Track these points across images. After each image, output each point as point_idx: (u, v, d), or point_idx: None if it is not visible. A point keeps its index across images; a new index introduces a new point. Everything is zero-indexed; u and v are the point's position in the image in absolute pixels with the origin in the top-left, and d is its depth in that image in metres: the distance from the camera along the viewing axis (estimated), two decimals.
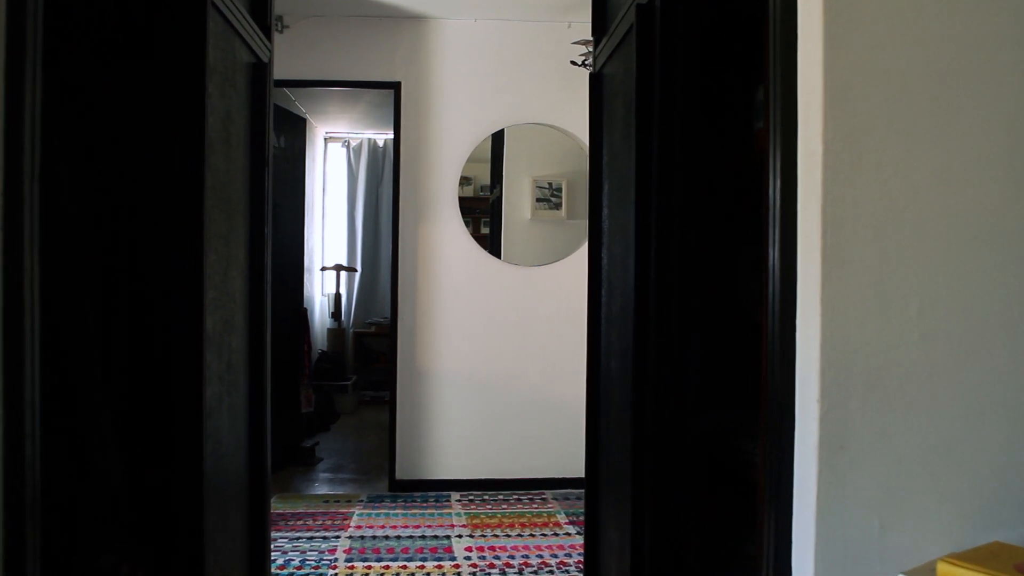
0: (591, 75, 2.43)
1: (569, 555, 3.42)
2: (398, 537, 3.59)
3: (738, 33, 1.91)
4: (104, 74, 1.76)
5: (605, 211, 2.29)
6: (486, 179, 5.00)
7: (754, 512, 1.93)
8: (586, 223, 4.70)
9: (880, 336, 1.03)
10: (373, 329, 6.98)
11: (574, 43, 4.16)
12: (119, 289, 1.81)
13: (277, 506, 4.01)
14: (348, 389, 6.49)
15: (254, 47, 2.17)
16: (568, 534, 3.69)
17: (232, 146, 1.95)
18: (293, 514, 3.91)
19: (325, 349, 6.63)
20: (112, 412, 1.77)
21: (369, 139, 7.14)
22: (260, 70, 2.20)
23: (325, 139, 7.03)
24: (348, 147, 7.14)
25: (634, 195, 1.81)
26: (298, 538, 3.56)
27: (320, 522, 3.79)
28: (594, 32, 2.45)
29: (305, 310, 5.40)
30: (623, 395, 2.03)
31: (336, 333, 6.74)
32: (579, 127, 4.44)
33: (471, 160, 4.48)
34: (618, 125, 2.14)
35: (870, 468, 1.03)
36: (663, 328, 1.74)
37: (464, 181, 4.51)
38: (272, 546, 3.45)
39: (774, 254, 1.10)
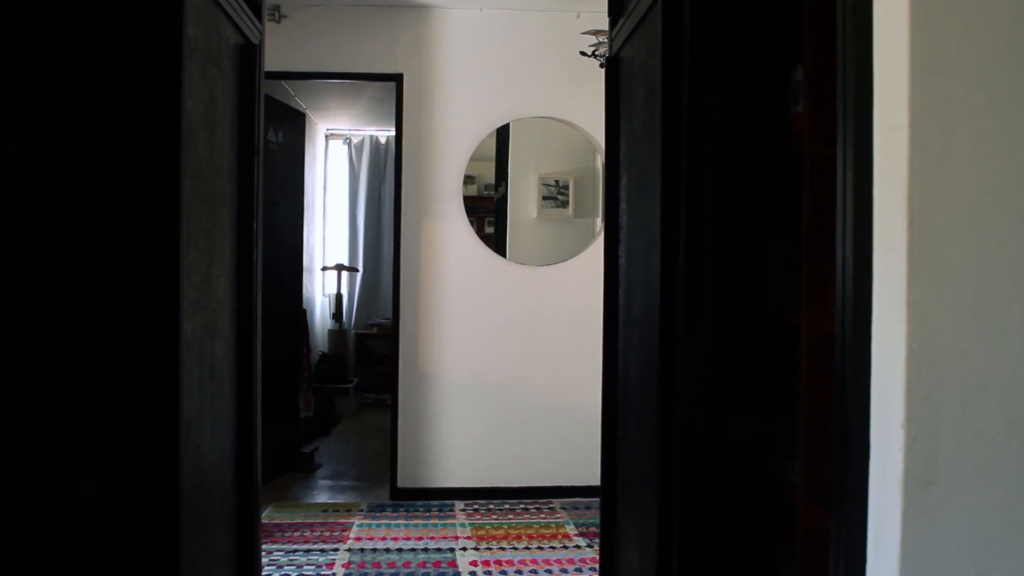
0: (607, 59, 2.26)
1: (580, 570, 3.24)
2: (399, 550, 3.42)
3: (772, 7, 1.73)
4: (74, 51, 1.59)
5: (623, 205, 2.11)
6: (490, 178, 4.83)
7: (790, 534, 1.75)
8: (594, 222, 4.58)
9: (978, 347, 0.85)
10: (375, 330, 6.81)
11: (584, 33, 3.99)
12: (93, 294, 1.64)
13: (274, 516, 3.85)
14: (349, 392, 6.33)
15: (243, 27, 2.00)
16: (578, 547, 3.52)
17: (216, 134, 1.78)
18: (290, 524, 3.74)
19: (326, 351, 6.46)
20: (83, 428, 1.60)
21: (371, 136, 6.97)
22: (249, 52, 2.03)
23: (326, 136, 6.86)
24: (350, 144, 6.97)
25: (660, 187, 1.64)
26: (295, 551, 3.39)
27: (318, 533, 3.62)
28: (610, 12, 2.28)
29: (304, 311, 5.23)
30: (645, 405, 1.85)
31: (337, 334, 6.58)
32: (588, 121, 4.27)
33: (475, 158, 4.31)
34: (638, 112, 1.96)
35: (965, 507, 0.86)
36: (692, 334, 1.56)
37: (468, 180, 4.34)
38: (267, 559, 3.29)
39: (844, 250, 0.92)
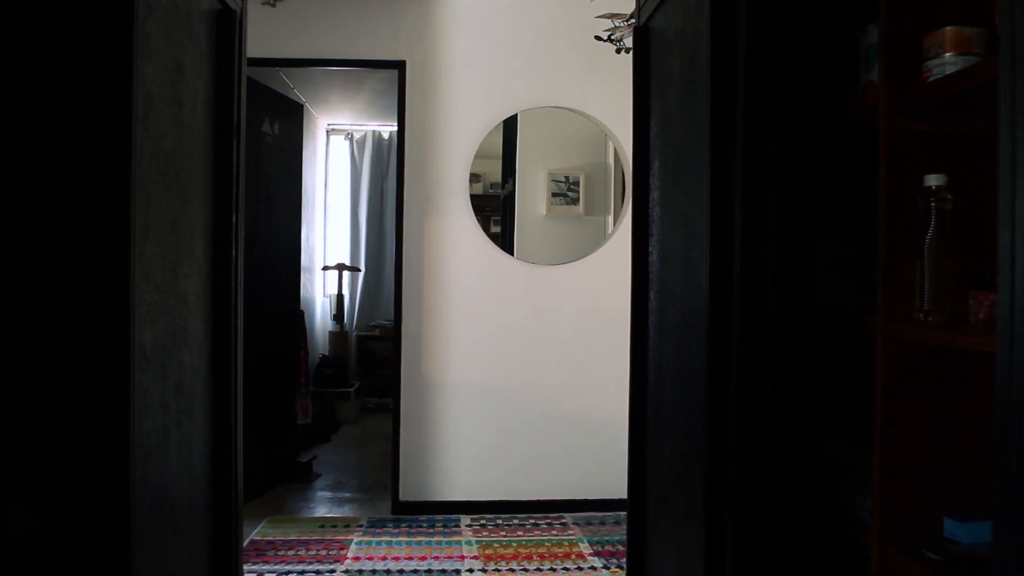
0: (635, 29, 2.00)
1: None
2: (400, 571, 3.16)
3: None
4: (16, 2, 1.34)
5: (654, 194, 1.85)
6: (495, 176, 4.59)
7: None
8: (606, 220, 4.31)
9: None
10: (377, 332, 6.56)
11: (598, 17, 3.73)
12: (35, 292, 1.39)
13: (267, 532, 3.60)
14: (351, 396, 6.08)
15: None
16: (593, 568, 3.25)
17: (185, 108, 1.53)
18: (284, 542, 3.48)
19: (327, 353, 6.21)
20: (26, 453, 1.35)
21: (373, 131, 6.73)
22: (227, 19, 1.78)
23: (327, 132, 6.62)
24: (351, 140, 6.73)
25: (707, 170, 1.38)
26: (288, 572, 3.14)
27: (314, 552, 3.36)
28: None
29: (302, 312, 4.98)
30: (685, 423, 1.59)
31: (338, 336, 6.33)
32: (602, 110, 4.02)
33: (480, 156, 4.06)
34: (675, 85, 1.70)
35: None
36: (751, 347, 1.30)
37: (473, 178, 4.09)
38: None
39: (1013, 239, 0.66)
